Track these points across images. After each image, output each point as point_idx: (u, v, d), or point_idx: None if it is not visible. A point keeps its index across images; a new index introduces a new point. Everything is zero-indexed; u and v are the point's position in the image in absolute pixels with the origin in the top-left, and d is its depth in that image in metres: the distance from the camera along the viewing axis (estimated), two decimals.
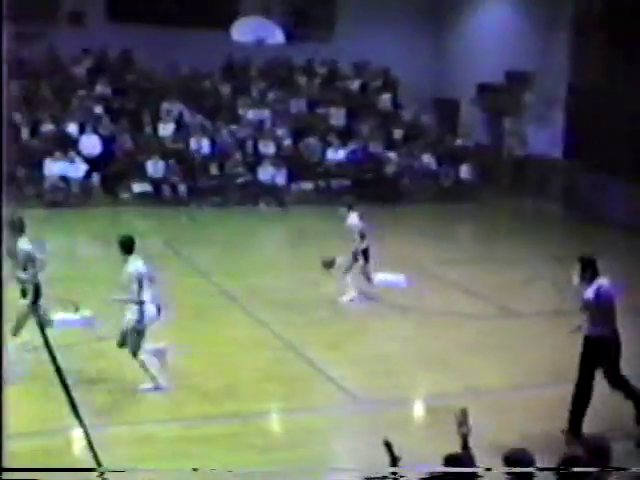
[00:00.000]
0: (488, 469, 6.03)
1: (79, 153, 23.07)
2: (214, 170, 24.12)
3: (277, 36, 25.26)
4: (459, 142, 27.41)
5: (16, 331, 10.83)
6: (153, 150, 23.72)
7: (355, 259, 14.87)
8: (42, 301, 11.22)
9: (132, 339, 10.65)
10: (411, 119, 28.07)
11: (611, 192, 22.72)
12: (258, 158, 24.72)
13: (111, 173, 23.14)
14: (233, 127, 25.41)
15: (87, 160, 22.95)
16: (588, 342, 9.73)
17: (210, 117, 25.53)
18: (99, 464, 8.57)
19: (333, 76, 28.73)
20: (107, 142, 23.72)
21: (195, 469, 6.51)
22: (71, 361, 11.57)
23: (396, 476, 5.98)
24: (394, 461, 6.25)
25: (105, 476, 6.38)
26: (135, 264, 10.53)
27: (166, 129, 24.80)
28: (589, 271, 9.72)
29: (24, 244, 10.89)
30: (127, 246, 10.62)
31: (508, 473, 6.00)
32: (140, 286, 10.51)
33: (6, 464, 7.07)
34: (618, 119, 22.25)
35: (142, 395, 10.63)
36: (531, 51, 25.78)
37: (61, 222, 20.82)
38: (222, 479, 7.61)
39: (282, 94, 27.14)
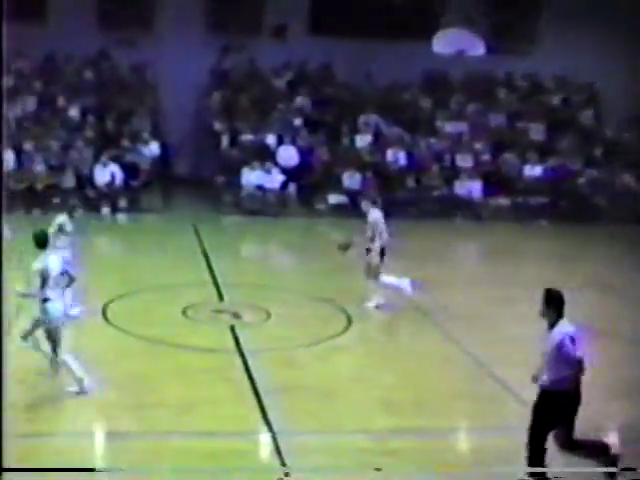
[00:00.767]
0: None
1: (276, 164, 23.40)
2: (410, 182, 23.95)
3: (478, 48, 24.91)
4: None
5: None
6: (350, 162, 23.78)
7: (381, 256, 14.43)
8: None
9: (50, 336, 10.48)
10: (613, 136, 27.02)
11: None
12: (455, 171, 24.40)
13: (307, 184, 23.35)
14: (431, 140, 25.19)
15: (284, 171, 23.24)
16: (543, 395, 8.41)
17: (408, 129, 25.40)
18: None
19: (534, 90, 28.08)
20: (304, 153, 23.97)
21: None
22: (263, 367, 11.64)
23: None
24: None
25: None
26: (45, 260, 10.36)
27: (363, 141, 24.84)
28: (552, 309, 8.28)
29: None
30: (40, 241, 10.50)
31: None
32: (45, 283, 10.26)
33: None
34: None
35: (332, 404, 10.55)
36: None
37: (257, 230, 21.18)
38: None
39: (481, 107, 26.73)
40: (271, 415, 10.06)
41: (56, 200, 21.78)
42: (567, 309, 8.32)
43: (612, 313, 14.92)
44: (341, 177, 23.52)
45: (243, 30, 25.87)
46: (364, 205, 14.83)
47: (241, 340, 12.66)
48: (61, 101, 24.37)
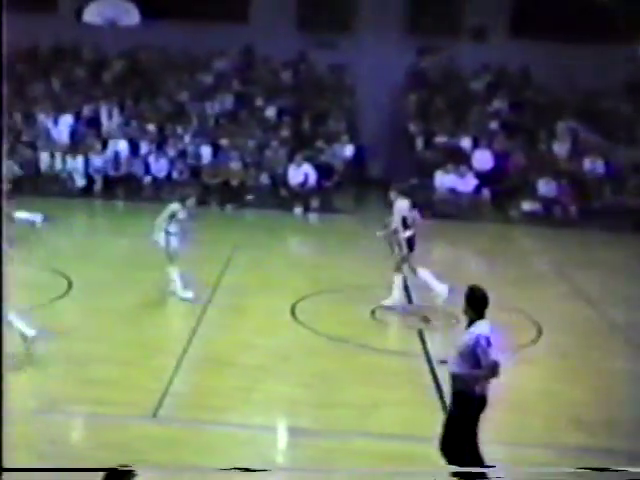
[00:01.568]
0: None
1: (470, 167, 23.07)
2: (608, 192, 23.09)
3: None
4: None
5: None
6: (546, 169, 23.18)
7: (406, 250, 13.73)
8: None
9: None
10: None
11: None
12: None
13: (502, 190, 22.90)
14: (631, 149, 24.21)
15: (478, 175, 22.89)
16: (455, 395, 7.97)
17: (607, 137, 24.51)
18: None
19: None
20: (500, 158, 23.53)
21: None
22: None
23: None
24: None
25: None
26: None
27: (561, 148, 24.15)
28: (473, 308, 7.93)
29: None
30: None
31: None
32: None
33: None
34: None
35: (519, 416, 10.24)
36: None
37: (448, 234, 20.91)
38: None
39: None
40: None
41: (249, 197, 22.28)
42: None
43: None
44: (536, 184, 22.94)
45: (441, 31, 25.66)
46: (392, 195, 14.17)
47: (428, 344, 12.52)
48: (259, 101, 24.87)
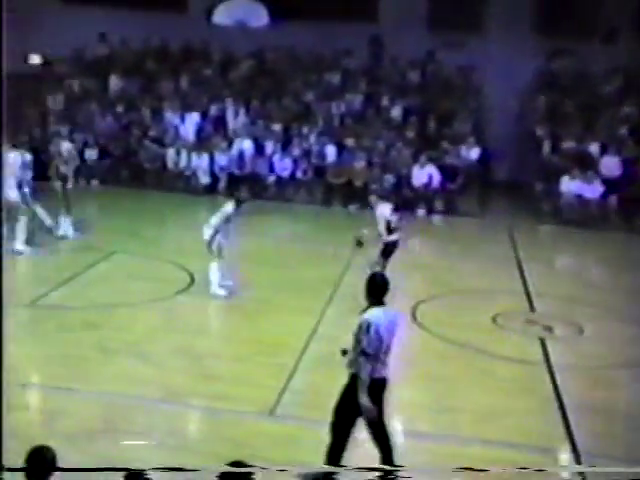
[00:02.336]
0: None
1: (598, 173, 22.50)
2: None
3: None
4: None
5: None
6: None
7: (385, 254, 13.70)
8: None
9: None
10: None
11: None
12: None
13: (629, 197, 22.23)
14: None
15: (605, 181, 22.29)
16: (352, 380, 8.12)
17: None
18: None
19: None
20: (628, 165, 22.85)
21: None
22: (570, 383, 11.23)
23: None
24: None
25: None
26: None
27: None
28: (369, 294, 8.09)
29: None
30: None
31: None
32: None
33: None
34: None
35: None
36: None
37: (574, 241, 20.49)
38: None
39: None
40: (576, 435, 9.63)
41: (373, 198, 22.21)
42: None
43: None
44: None
45: (573, 33, 25.07)
46: (372, 200, 14.21)
47: (551, 354, 12.26)
48: (384, 100, 24.81)
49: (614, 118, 24.17)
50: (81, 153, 23.41)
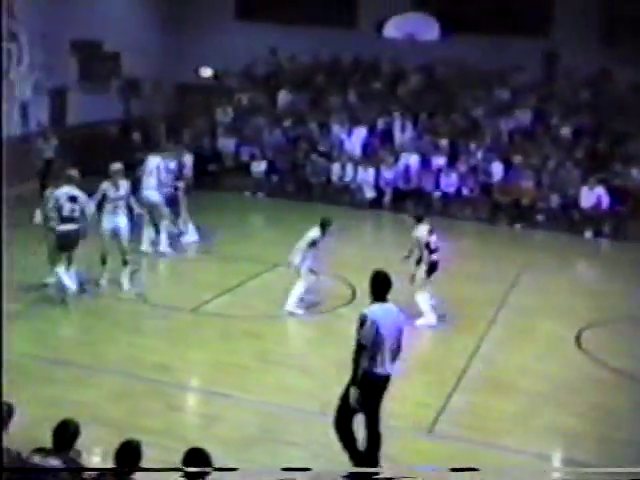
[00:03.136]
0: None
1: None
2: None
3: None
4: None
5: None
6: None
7: (428, 274, 13.52)
8: None
9: None
10: None
11: None
12: None
13: None
14: None
15: None
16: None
17: None
18: None
19: None
20: None
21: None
22: None
23: None
24: None
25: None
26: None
27: None
28: (372, 290, 8.48)
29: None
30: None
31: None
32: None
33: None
34: None
35: None
36: None
37: None
38: None
39: None
40: None
41: (540, 217, 21.80)
42: None
43: None
44: None
45: None
46: (410, 222, 14.14)
47: None
48: (555, 119, 24.30)
49: None
50: (247, 166, 24.07)
